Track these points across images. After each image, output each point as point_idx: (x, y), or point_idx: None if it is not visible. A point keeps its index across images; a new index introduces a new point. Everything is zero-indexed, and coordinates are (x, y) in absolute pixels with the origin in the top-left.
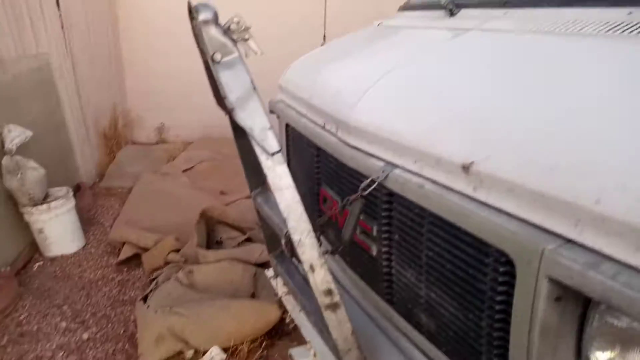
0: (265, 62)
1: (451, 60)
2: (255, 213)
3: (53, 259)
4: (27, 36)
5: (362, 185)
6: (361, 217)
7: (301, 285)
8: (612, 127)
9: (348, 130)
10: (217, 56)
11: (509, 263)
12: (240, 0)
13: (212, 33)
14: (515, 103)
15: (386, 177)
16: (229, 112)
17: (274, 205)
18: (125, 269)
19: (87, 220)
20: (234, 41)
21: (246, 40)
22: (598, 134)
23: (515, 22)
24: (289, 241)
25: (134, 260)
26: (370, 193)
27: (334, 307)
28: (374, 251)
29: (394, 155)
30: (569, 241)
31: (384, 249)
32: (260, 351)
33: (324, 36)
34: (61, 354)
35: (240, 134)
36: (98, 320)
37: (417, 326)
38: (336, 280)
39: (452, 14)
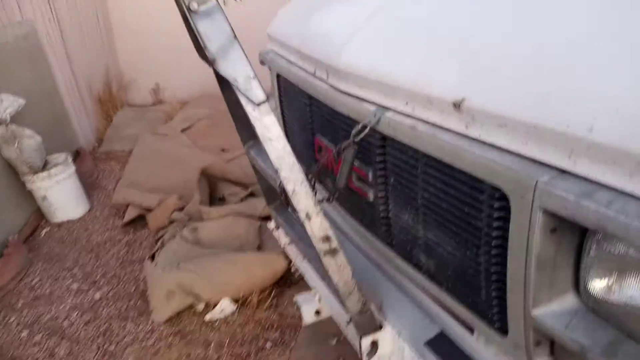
0: (254, 12)
1: None
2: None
3: (59, 225)
4: (10, 3)
5: (354, 131)
6: (356, 164)
7: (301, 234)
8: (602, 53)
9: (338, 75)
10: (194, 5)
11: (504, 198)
12: None
13: None
14: (505, 34)
15: (378, 121)
16: (210, 63)
17: (267, 157)
18: (132, 230)
19: (89, 185)
20: None
21: None
22: (589, 60)
23: None
24: (284, 191)
25: (139, 221)
26: (363, 139)
27: (332, 252)
28: (371, 196)
29: (386, 98)
30: (563, 172)
31: (380, 194)
32: (270, 300)
33: None
34: (75, 313)
35: (226, 86)
36: (109, 280)
37: (417, 266)
38: (336, 226)
39: None
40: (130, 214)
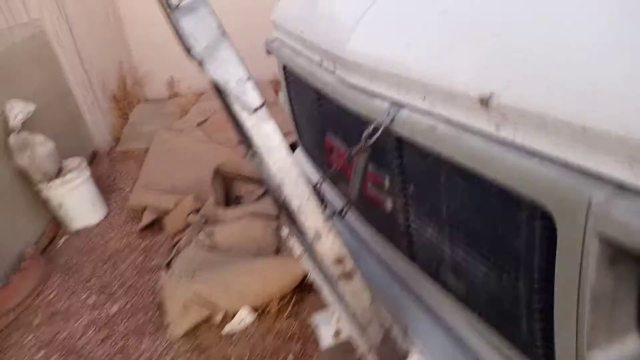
0: None
1: None
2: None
3: (77, 232)
4: (15, 3)
5: (365, 133)
6: (371, 168)
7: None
8: None
9: (345, 66)
10: (173, 1)
11: (547, 217)
12: None
13: None
14: (540, 13)
15: (392, 120)
16: (198, 64)
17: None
18: (149, 235)
19: (106, 187)
20: None
21: None
22: None
23: None
24: (287, 208)
25: (157, 224)
26: (378, 140)
27: (347, 276)
28: (389, 205)
29: (400, 92)
30: (623, 187)
31: (400, 203)
32: (290, 308)
33: None
34: (92, 330)
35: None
36: (126, 292)
37: (445, 286)
38: (350, 230)
39: None
40: (147, 218)
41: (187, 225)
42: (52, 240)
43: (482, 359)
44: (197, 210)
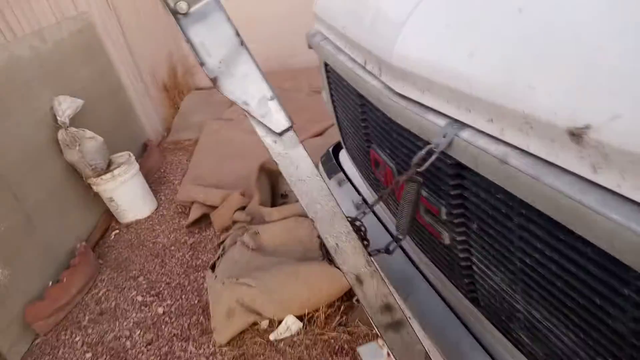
0: None
1: None
2: (322, 169)
3: (128, 225)
4: None
5: (416, 158)
6: (423, 193)
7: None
8: None
9: (392, 72)
10: (182, 6)
11: None
12: None
13: None
14: None
15: (450, 143)
16: (211, 81)
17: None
18: (197, 230)
19: (157, 180)
20: None
21: None
22: None
23: None
24: (324, 246)
25: (205, 219)
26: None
27: (396, 326)
28: (446, 239)
29: (459, 110)
30: None
31: (459, 238)
32: (339, 317)
33: None
34: (138, 332)
35: None
36: (172, 291)
37: (517, 344)
38: (409, 260)
39: None
40: (194, 213)
41: (234, 222)
42: (104, 234)
43: None
44: (244, 207)
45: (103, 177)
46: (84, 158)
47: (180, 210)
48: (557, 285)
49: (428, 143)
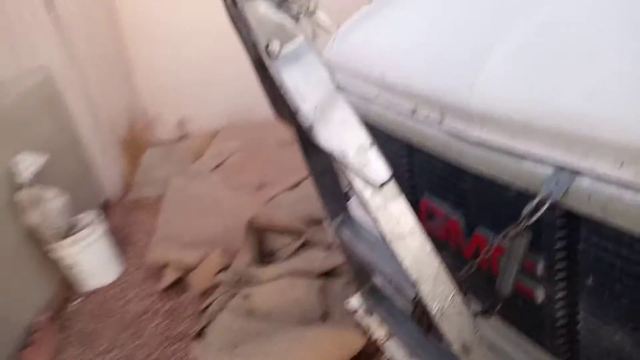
0: None
1: None
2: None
3: (90, 294)
4: (22, 50)
5: (526, 210)
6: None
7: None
8: None
9: (465, 117)
10: (275, 46)
11: None
12: None
13: (262, 11)
14: None
15: (565, 192)
16: (306, 130)
17: (363, 237)
18: (172, 295)
19: (120, 241)
20: (296, 18)
21: (312, 13)
22: None
23: None
24: (423, 311)
25: (180, 282)
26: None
27: None
28: (540, 296)
29: (571, 154)
30: None
31: (560, 295)
32: None
33: None
34: None
35: (313, 150)
36: None
37: None
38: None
39: None
40: (169, 276)
41: (216, 285)
42: (65, 304)
43: None
44: (227, 268)
45: (65, 241)
46: (46, 220)
47: (150, 273)
48: None
49: (523, 192)
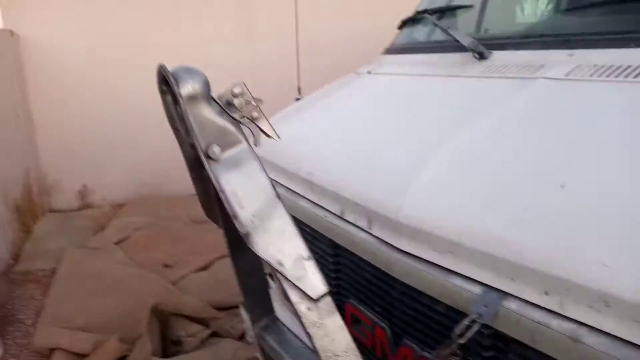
0: None
1: (538, 119)
2: (246, 317)
3: None
4: None
5: (458, 329)
6: None
7: None
8: None
9: (397, 228)
10: (215, 150)
11: None
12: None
13: (205, 115)
14: None
15: (495, 314)
16: (242, 236)
17: (289, 345)
18: None
19: (3, 318)
20: (238, 122)
21: (254, 119)
22: None
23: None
24: None
25: None
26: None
27: None
28: None
29: (498, 277)
30: None
31: None
32: None
33: (299, 88)
34: None
35: (241, 251)
36: None
37: None
38: None
39: (482, 57)
40: None
41: None
42: None
43: None
44: (124, 357)
45: None
46: None
47: (35, 358)
48: None
49: (450, 308)
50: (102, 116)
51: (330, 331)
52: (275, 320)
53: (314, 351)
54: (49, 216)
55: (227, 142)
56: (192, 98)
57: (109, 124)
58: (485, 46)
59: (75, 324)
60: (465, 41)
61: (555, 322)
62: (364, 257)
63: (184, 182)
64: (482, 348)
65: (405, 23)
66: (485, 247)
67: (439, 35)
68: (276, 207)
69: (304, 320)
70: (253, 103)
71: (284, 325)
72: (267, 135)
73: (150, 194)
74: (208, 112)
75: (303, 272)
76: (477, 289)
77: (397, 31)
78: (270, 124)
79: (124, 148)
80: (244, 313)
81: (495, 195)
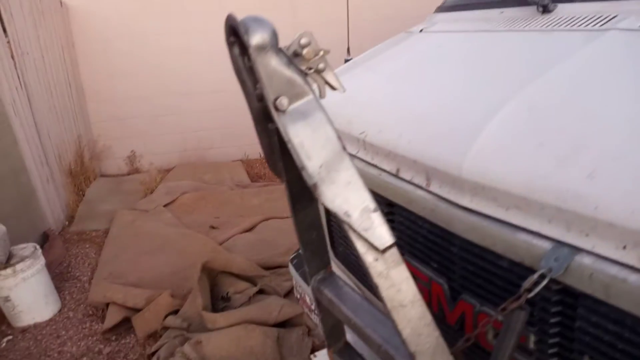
0: None
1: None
2: (295, 273)
3: (24, 330)
4: None
5: (527, 283)
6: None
7: None
8: None
9: (458, 185)
10: (283, 102)
11: None
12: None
13: (274, 66)
14: None
15: (566, 268)
16: (309, 187)
17: (346, 298)
18: (114, 337)
19: (59, 275)
20: (305, 74)
21: (321, 71)
22: None
23: None
24: None
25: (123, 324)
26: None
27: None
28: None
29: (570, 232)
30: None
31: None
32: None
33: (348, 49)
34: None
35: (302, 204)
36: None
37: None
38: None
39: (546, 10)
40: (113, 317)
41: (163, 329)
42: None
43: None
44: (176, 311)
45: (2, 272)
46: None
47: (90, 312)
48: None
49: (515, 264)
50: (149, 84)
51: (397, 282)
52: (332, 273)
53: (377, 301)
54: (100, 180)
55: (294, 94)
56: (261, 48)
57: (155, 91)
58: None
59: (128, 281)
60: None
61: (633, 277)
62: (421, 215)
63: (227, 148)
64: (548, 303)
65: None
66: (557, 201)
67: None
68: (343, 159)
69: (370, 271)
70: (320, 54)
71: (341, 278)
72: (332, 88)
73: (196, 159)
74: (276, 63)
75: (370, 223)
76: (545, 244)
77: None
78: (336, 76)
79: (170, 115)
80: (293, 269)
81: (570, 149)
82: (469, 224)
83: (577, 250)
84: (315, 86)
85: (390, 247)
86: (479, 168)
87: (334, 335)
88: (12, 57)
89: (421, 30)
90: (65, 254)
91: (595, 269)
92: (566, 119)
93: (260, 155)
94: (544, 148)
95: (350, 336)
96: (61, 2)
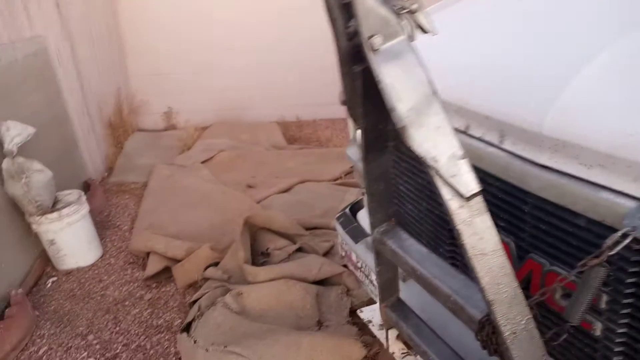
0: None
1: None
2: (342, 231)
3: (68, 273)
4: (19, 17)
5: (609, 240)
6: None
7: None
8: None
9: (537, 142)
10: (377, 40)
11: None
12: None
13: (370, 3)
14: None
15: None
16: (398, 130)
17: (410, 250)
18: (154, 285)
19: (101, 223)
20: (398, 14)
21: (414, 12)
22: None
23: None
24: (491, 332)
25: (163, 273)
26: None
27: None
28: (598, 330)
29: None
30: None
31: (620, 330)
32: None
33: None
34: None
35: (374, 154)
36: (132, 355)
37: None
38: None
39: None
40: (154, 266)
41: (202, 280)
42: (39, 280)
43: None
44: (215, 264)
45: (48, 216)
46: (30, 192)
47: (131, 260)
48: None
49: (592, 222)
50: (188, 41)
51: (480, 230)
52: (396, 225)
53: (458, 250)
54: (138, 134)
55: (388, 33)
56: None
57: (194, 49)
58: None
59: (169, 232)
60: None
61: None
62: (491, 172)
63: (264, 109)
64: (627, 263)
65: None
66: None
67: None
68: (433, 103)
69: (454, 217)
70: None
71: (405, 231)
72: (423, 31)
73: (232, 118)
74: (372, 2)
75: (457, 170)
76: (629, 203)
77: None
78: (428, 18)
79: (208, 73)
80: (340, 228)
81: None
82: (546, 181)
83: None
84: (408, 27)
85: (476, 194)
86: (562, 125)
87: (388, 289)
88: (58, 6)
89: None
90: (106, 204)
91: None
92: None
93: (297, 118)
94: (633, 105)
95: (403, 293)
96: None
